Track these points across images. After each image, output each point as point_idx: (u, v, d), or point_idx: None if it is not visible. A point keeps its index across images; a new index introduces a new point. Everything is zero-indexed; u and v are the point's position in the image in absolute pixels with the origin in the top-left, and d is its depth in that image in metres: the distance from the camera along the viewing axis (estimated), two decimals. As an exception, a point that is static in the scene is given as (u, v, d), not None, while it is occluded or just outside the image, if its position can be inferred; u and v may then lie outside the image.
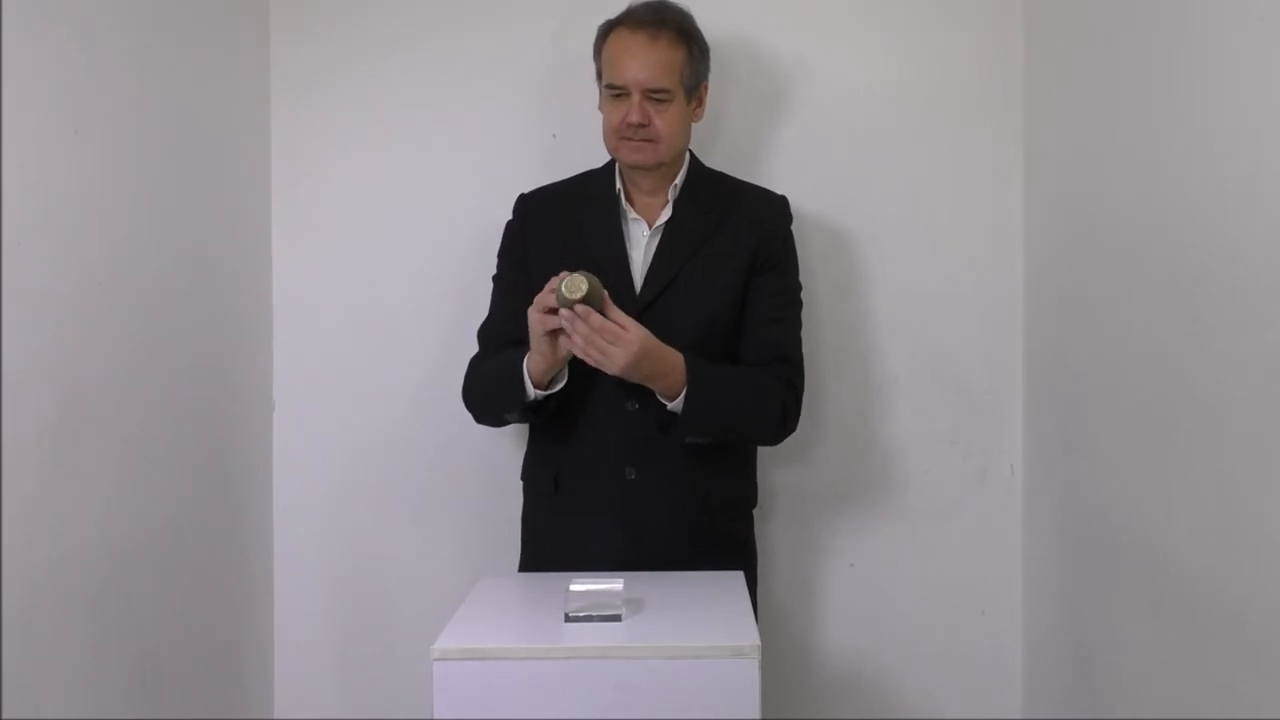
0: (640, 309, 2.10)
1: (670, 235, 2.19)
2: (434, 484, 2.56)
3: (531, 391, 2.07)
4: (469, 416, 2.25)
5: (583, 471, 2.18)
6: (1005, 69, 2.52)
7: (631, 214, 2.22)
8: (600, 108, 2.21)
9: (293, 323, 2.57)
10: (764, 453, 2.39)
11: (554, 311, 1.96)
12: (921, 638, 2.56)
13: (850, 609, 2.56)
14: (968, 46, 2.53)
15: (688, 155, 2.25)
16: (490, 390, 2.18)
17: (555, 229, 2.22)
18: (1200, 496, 1.76)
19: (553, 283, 1.95)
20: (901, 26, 2.53)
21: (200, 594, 2.28)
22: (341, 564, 2.58)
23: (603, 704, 1.62)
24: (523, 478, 2.32)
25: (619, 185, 2.22)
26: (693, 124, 2.24)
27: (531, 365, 2.05)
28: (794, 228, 2.27)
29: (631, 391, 2.10)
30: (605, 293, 1.96)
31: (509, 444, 2.45)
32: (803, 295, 2.27)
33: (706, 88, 2.25)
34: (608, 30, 2.19)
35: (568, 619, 1.71)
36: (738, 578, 1.97)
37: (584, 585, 1.73)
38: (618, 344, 1.95)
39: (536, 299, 2.00)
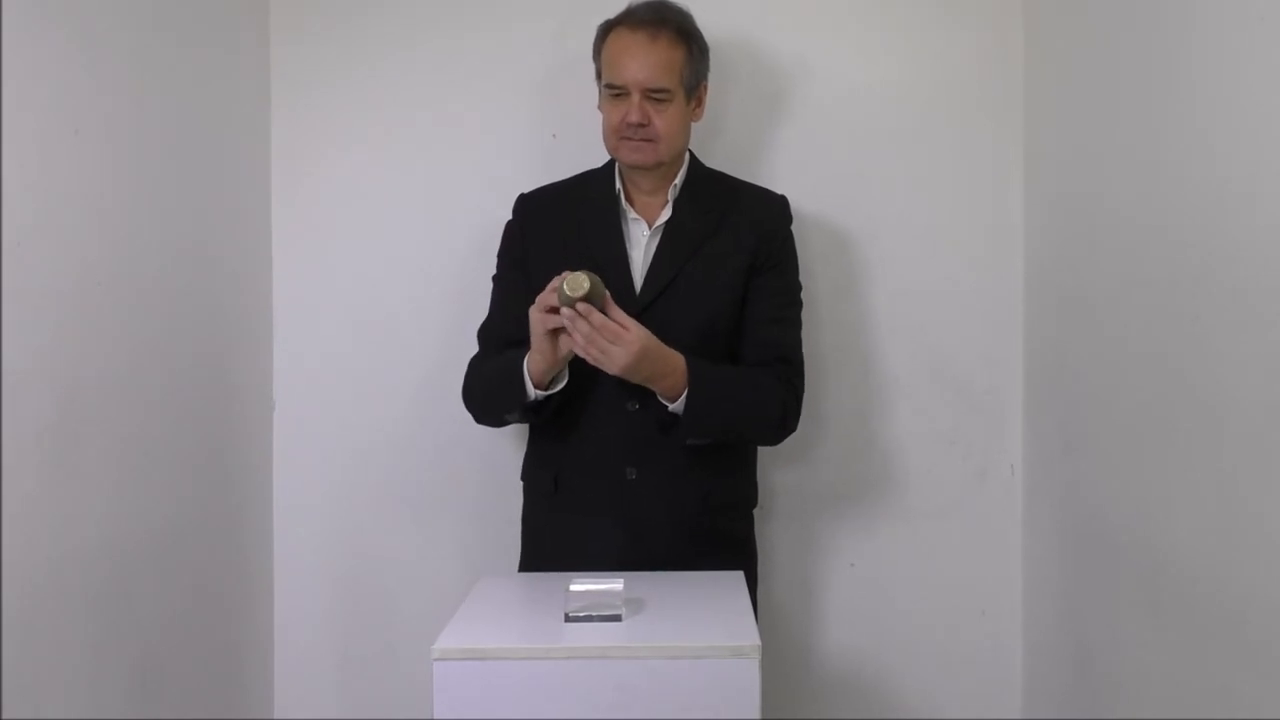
0: (640, 309, 2.10)
1: (670, 235, 2.19)
2: (434, 484, 2.56)
3: (532, 391, 2.07)
4: (469, 416, 2.25)
5: (583, 471, 2.18)
6: (1005, 69, 2.52)
7: (631, 214, 2.22)
8: (600, 108, 2.20)
9: (293, 323, 2.57)
10: (764, 453, 2.39)
11: (555, 311, 1.96)
12: (921, 638, 2.56)
13: (850, 609, 2.56)
14: (968, 46, 2.53)
15: (688, 155, 2.25)
16: (490, 390, 2.18)
17: (555, 229, 2.22)
18: (1200, 496, 1.76)
19: (555, 282, 1.95)
20: (901, 26, 2.53)
21: (200, 594, 2.28)
22: (341, 564, 2.58)
23: (603, 704, 1.62)
24: (523, 478, 2.32)
25: (619, 185, 2.22)
26: (692, 124, 2.24)
27: (532, 365, 2.05)
28: (794, 228, 2.27)
29: (632, 391, 2.10)
30: (607, 292, 1.97)
31: (509, 444, 2.45)
32: (803, 295, 2.27)
33: (706, 87, 2.25)
34: (607, 30, 2.19)
35: (568, 619, 1.71)
36: (738, 578, 1.97)
37: (584, 585, 1.73)
38: (618, 343, 1.95)
39: (538, 298, 2.00)
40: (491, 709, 1.63)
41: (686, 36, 2.17)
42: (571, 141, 2.44)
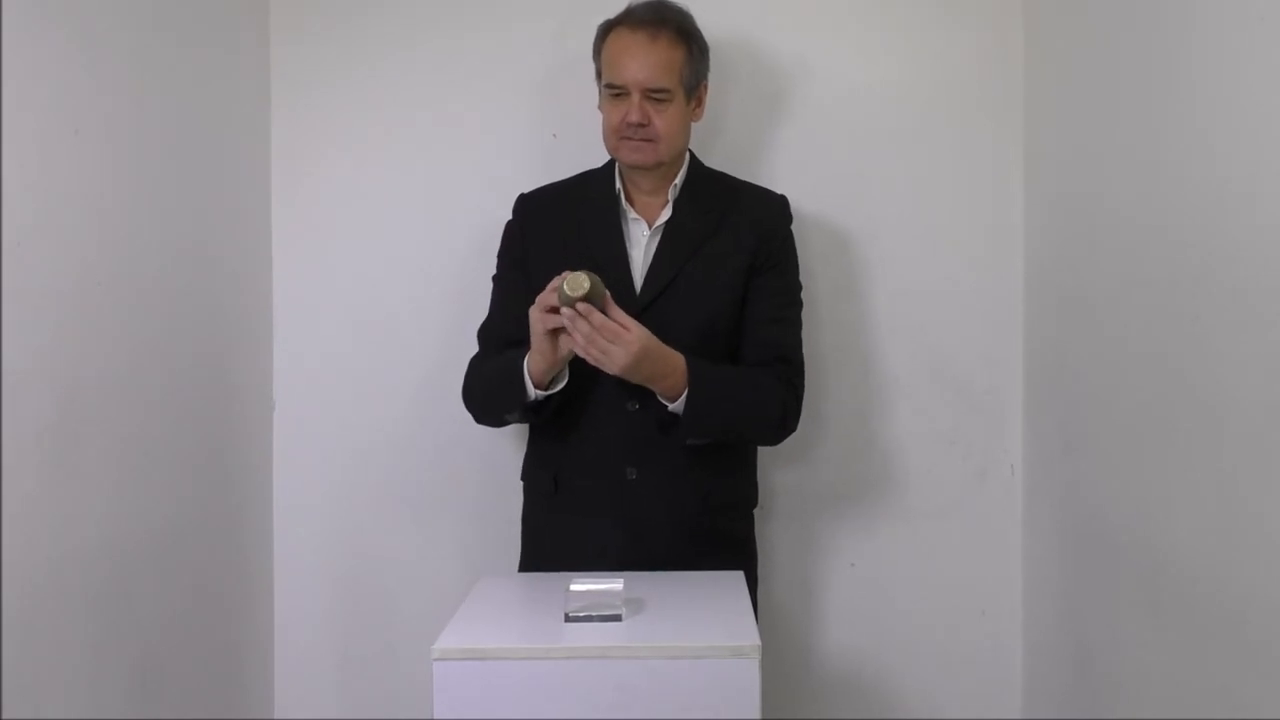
0: (640, 309, 2.10)
1: (670, 235, 2.19)
2: (434, 484, 2.56)
3: (532, 391, 2.07)
4: (469, 416, 2.25)
5: (583, 471, 2.18)
6: (1005, 69, 2.52)
7: (631, 214, 2.22)
8: (600, 108, 2.20)
9: (293, 323, 2.57)
10: (764, 453, 2.39)
11: (556, 310, 1.96)
12: (922, 638, 2.56)
13: (850, 609, 2.56)
14: (968, 46, 2.53)
15: (687, 155, 2.25)
16: (490, 390, 2.18)
17: (555, 229, 2.22)
18: (1200, 496, 1.76)
19: (555, 282, 1.95)
20: (901, 26, 2.53)
21: (200, 594, 2.28)
22: (341, 564, 2.58)
23: (603, 704, 1.62)
24: (523, 478, 2.32)
25: (619, 185, 2.22)
26: (692, 124, 2.24)
27: (532, 365, 2.05)
28: (794, 228, 2.27)
29: (632, 392, 2.10)
30: (607, 292, 1.97)
31: (509, 444, 2.45)
32: (803, 295, 2.27)
33: (706, 87, 2.25)
34: (607, 30, 2.19)
35: (568, 619, 1.71)
36: (738, 578, 1.97)
37: (584, 585, 1.73)
38: (618, 343, 1.95)
39: (539, 298, 2.00)
40: (491, 709, 1.63)
41: (686, 36, 2.17)
42: (571, 141, 2.44)
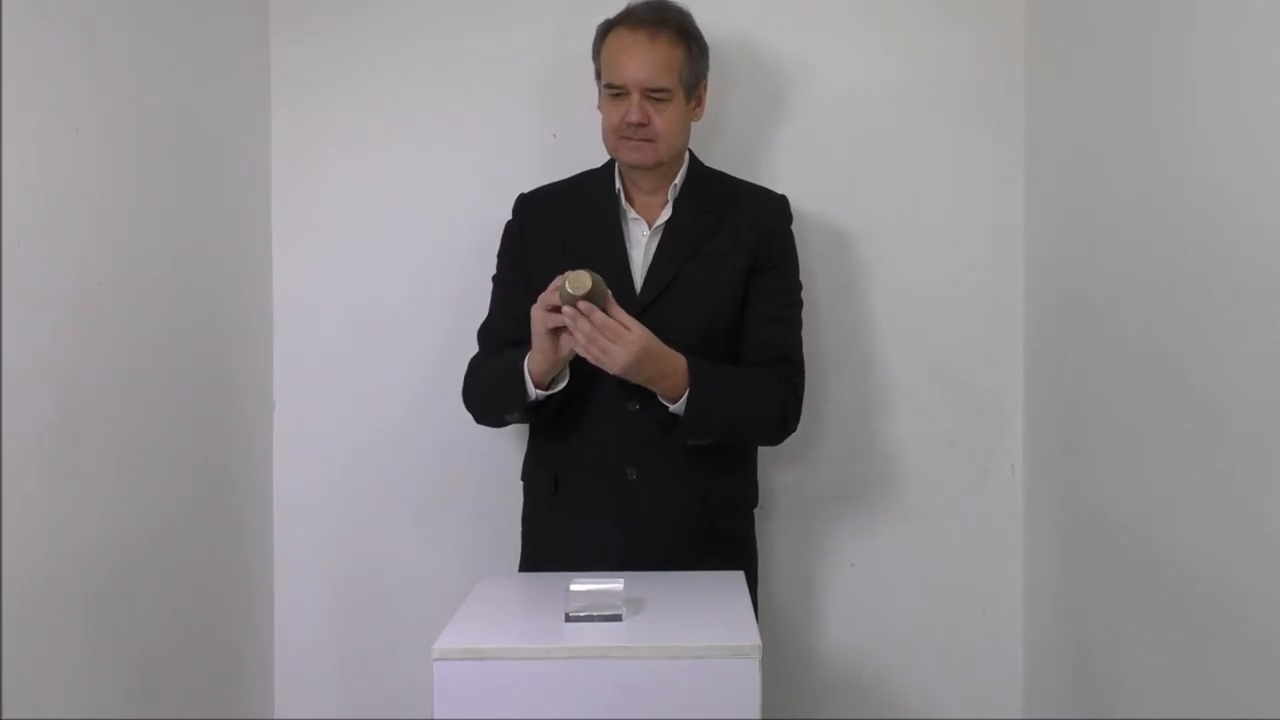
0: (640, 309, 2.10)
1: (670, 235, 2.19)
2: (434, 484, 2.56)
3: (533, 391, 2.07)
4: (469, 416, 2.25)
5: (583, 471, 2.18)
6: (1005, 69, 2.52)
7: (631, 214, 2.22)
8: (600, 107, 2.20)
9: (293, 323, 2.57)
10: (764, 453, 2.39)
11: (557, 310, 1.96)
12: (922, 638, 2.56)
13: (850, 609, 2.56)
14: (968, 46, 2.53)
15: (687, 155, 2.25)
16: (491, 390, 2.18)
17: (555, 229, 2.22)
18: (1200, 496, 1.76)
19: (557, 281, 1.96)
20: (901, 26, 2.53)
21: (200, 594, 2.28)
22: (341, 564, 2.58)
23: (603, 704, 1.62)
24: (523, 478, 2.32)
25: (619, 185, 2.22)
26: (692, 123, 2.24)
27: (533, 365, 2.05)
28: (794, 228, 2.27)
29: (633, 392, 2.10)
30: (609, 291, 1.97)
31: (509, 444, 2.45)
32: (803, 295, 2.27)
33: (706, 87, 2.25)
34: (607, 30, 2.19)
35: (568, 619, 1.71)
36: (738, 578, 1.97)
37: (584, 585, 1.73)
38: (619, 342, 1.95)
39: (540, 297, 2.00)
40: (491, 709, 1.63)
41: (686, 36, 2.17)
42: (571, 141, 2.44)
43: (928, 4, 2.53)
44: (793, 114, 2.53)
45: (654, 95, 2.13)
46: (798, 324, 2.25)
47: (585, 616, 1.71)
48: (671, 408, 2.07)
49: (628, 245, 2.20)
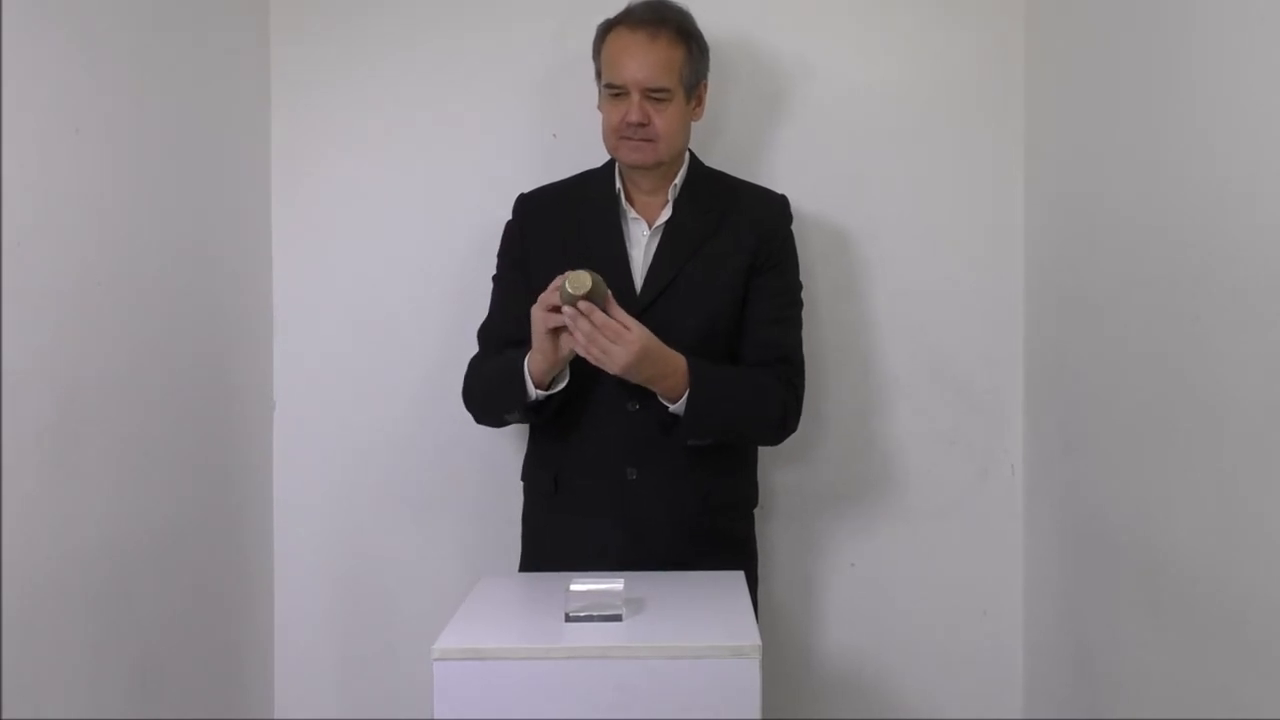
0: (640, 309, 2.10)
1: (670, 235, 2.19)
2: (434, 484, 2.56)
3: (533, 391, 2.07)
4: (469, 416, 2.25)
5: (583, 471, 2.18)
6: (1005, 69, 2.52)
7: (631, 214, 2.22)
8: (600, 107, 2.20)
9: (293, 323, 2.57)
10: (764, 453, 2.39)
11: (558, 309, 1.96)
12: (922, 638, 2.56)
13: (850, 609, 2.56)
14: (968, 46, 2.53)
15: (687, 155, 2.25)
16: (491, 390, 2.18)
17: (555, 229, 2.22)
18: (1200, 496, 1.76)
19: (557, 280, 1.96)
20: (901, 26, 2.53)
21: (200, 594, 2.28)
22: (341, 564, 2.58)
23: (603, 704, 1.62)
24: (523, 478, 2.32)
25: (619, 185, 2.22)
26: (692, 123, 2.24)
27: (533, 365, 2.05)
28: (794, 228, 2.27)
29: (633, 392, 2.10)
30: (609, 291, 1.97)
31: (509, 444, 2.45)
32: (803, 295, 2.27)
33: (706, 87, 2.25)
34: (607, 30, 2.19)
35: (568, 619, 1.71)
36: (738, 578, 1.97)
37: (584, 585, 1.73)
38: (619, 342, 1.95)
39: (541, 297, 2.00)
40: (491, 709, 1.63)
41: (686, 36, 2.17)
42: (571, 141, 2.44)
43: (928, 4, 2.53)
44: (793, 114, 2.53)
45: (654, 95, 2.13)
46: (798, 324, 2.24)
47: (585, 616, 1.71)
48: (671, 408, 2.07)
49: (628, 245, 2.20)
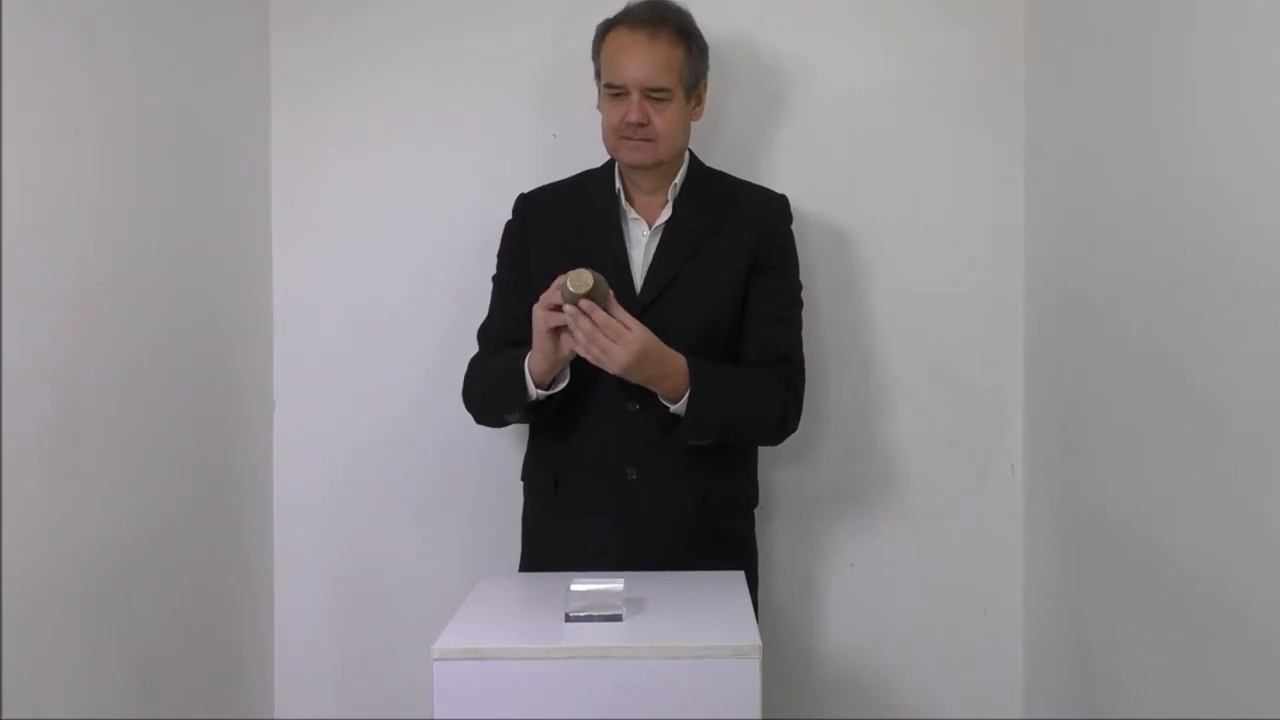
0: (640, 309, 2.10)
1: (670, 235, 2.19)
2: (434, 484, 2.56)
3: (533, 391, 2.07)
4: (469, 416, 2.25)
5: (583, 471, 2.18)
6: (1005, 69, 2.52)
7: (631, 214, 2.22)
8: (600, 107, 2.20)
9: (293, 323, 2.57)
10: (764, 453, 2.39)
11: (559, 308, 1.96)
12: (922, 638, 2.56)
13: (851, 609, 2.56)
14: (968, 46, 2.53)
15: (687, 154, 2.25)
16: (491, 390, 2.18)
17: (555, 229, 2.22)
18: (1200, 496, 1.76)
19: (559, 280, 1.96)
20: (901, 26, 2.53)
21: (200, 594, 2.28)
22: (341, 564, 2.58)
23: (603, 704, 1.62)
24: (523, 478, 2.32)
25: (619, 185, 2.22)
26: (692, 123, 2.24)
27: (533, 364, 2.05)
28: (794, 228, 2.27)
29: (633, 392, 2.10)
30: (610, 290, 1.97)
31: (509, 444, 2.45)
32: (803, 295, 2.27)
33: (705, 86, 2.25)
34: (606, 29, 2.19)
35: (568, 619, 1.71)
36: (738, 578, 1.97)
37: (584, 585, 1.73)
38: (620, 342, 1.95)
39: (542, 296, 2.00)
40: (491, 709, 1.63)
41: (685, 35, 2.17)
42: (571, 141, 2.44)
43: (928, 4, 2.53)
44: (793, 114, 2.53)
45: (654, 95, 2.13)
46: (798, 324, 2.24)
47: (585, 616, 1.71)
48: (672, 408, 2.07)
49: (628, 245, 2.20)
